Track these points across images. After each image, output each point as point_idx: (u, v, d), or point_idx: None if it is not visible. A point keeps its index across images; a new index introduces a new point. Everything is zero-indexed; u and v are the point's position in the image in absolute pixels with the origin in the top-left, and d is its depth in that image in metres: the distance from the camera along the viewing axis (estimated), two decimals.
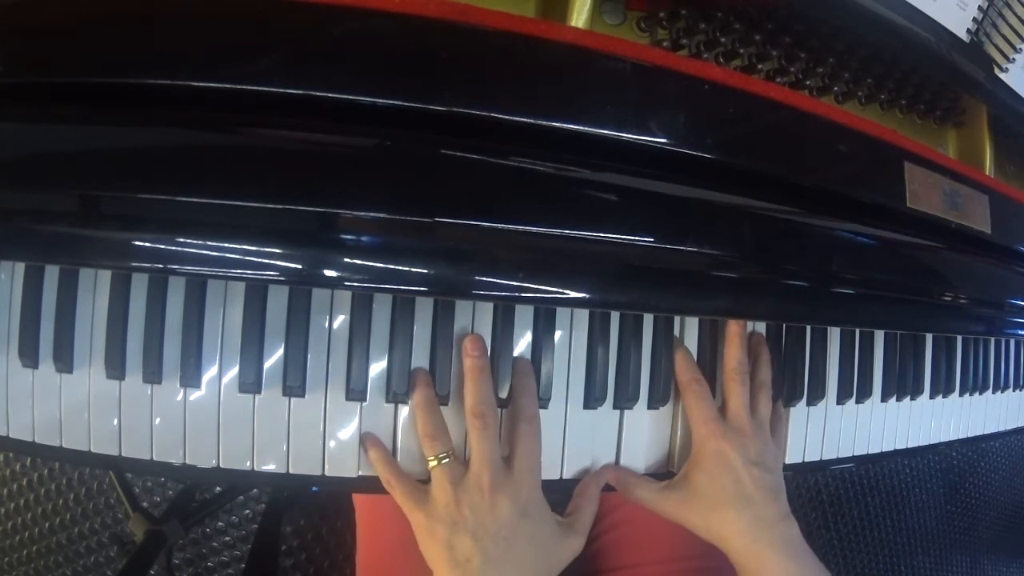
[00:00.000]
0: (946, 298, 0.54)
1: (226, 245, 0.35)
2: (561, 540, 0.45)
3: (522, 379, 0.45)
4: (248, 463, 0.43)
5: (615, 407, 0.49)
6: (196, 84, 0.34)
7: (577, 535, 0.46)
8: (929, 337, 0.65)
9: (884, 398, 0.61)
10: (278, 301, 0.42)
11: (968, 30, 0.52)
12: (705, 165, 0.42)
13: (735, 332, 0.49)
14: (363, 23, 0.36)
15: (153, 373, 0.41)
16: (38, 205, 0.35)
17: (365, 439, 0.44)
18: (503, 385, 0.46)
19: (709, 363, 0.52)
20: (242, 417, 0.42)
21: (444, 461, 0.43)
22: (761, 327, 0.54)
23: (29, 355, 0.41)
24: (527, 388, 0.45)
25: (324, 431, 0.43)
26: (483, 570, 0.41)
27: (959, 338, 0.68)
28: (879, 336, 0.61)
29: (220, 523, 1.11)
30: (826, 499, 1.49)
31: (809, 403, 0.56)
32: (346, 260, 0.37)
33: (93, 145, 0.35)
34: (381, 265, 0.37)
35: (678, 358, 0.49)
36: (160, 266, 0.35)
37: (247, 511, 1.12)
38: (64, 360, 0.41)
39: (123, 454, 0.42)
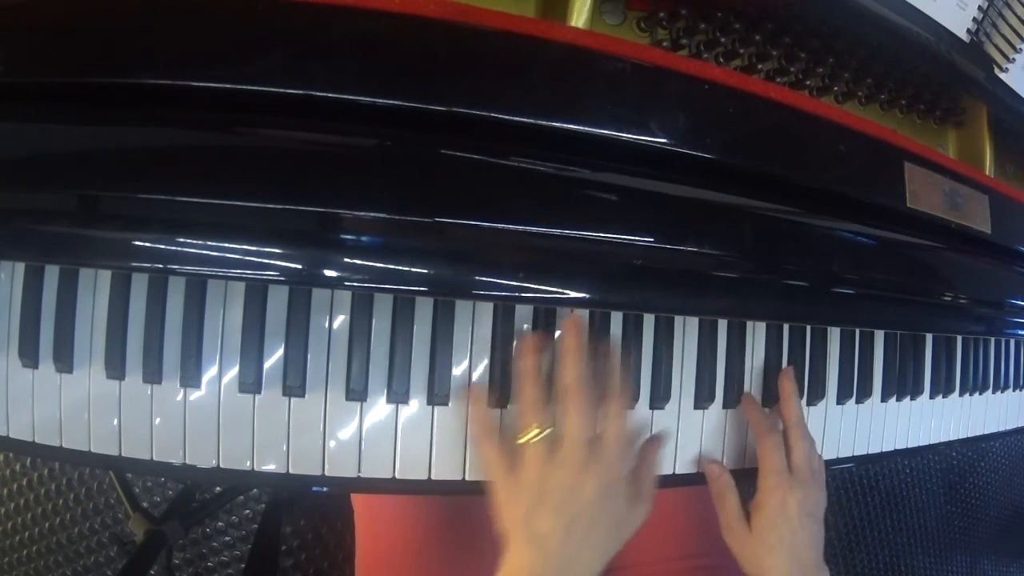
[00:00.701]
0: (946, 298, 0.54)
1: (226, 245, 0.35)
2: (633, 515, 0.45)
3: (607, 361, 0.45)
4: (248, 463, 0.43)
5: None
6: (196, 84, 0.34)
7: (645, 502, 0.46)
8: (929, 337, 0.65)
9: (884, 398, 0.61)
10: (278, 301, 0.42)
11: (968, 30, 0.52)
12: (705, 165, 0.42)
13: (791, 391, 0.53)
14: (363, 23, 0.36)
15: (153, 373, 0.41)
16: (38, 205, 0.35)
17: (472, 389, 0.44)
18: (504, 386, 0.46)
19: (709, 363, 0.52)
20: (242, 417, 0.42)
21: (543, 433, 0.42)
22: (761, 327, 0.54)
23: (29, 355, 0.41)
24: (613, 369, 0.45)
25: (324, 431, 0.43)
26: (560, 549, 0.41)
27: (959, 338, 0.68)
28: (879, 336, 0.61)
29: (220, 523, 1.11)
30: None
31: (809, 403, 0.56)
32: (346, 260, 0.37)
33: (93, 145, 0.35)
34: (381, 265, 0.37)
35: (754, 412, 0.52)
36: (160, 266, 0.35)
37: (247, 511, 1.12)
38: (64, 360, 0.41)
39: (123, 454, 0.42)
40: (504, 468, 0.43)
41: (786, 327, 0.56)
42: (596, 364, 0.45)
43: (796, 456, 0.51)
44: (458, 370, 0.45)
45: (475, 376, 0.46)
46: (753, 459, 0.54)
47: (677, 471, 0.52)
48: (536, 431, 0.42)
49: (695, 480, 0.53)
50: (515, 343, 0.45)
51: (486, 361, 0.46)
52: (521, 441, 0.42)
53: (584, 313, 0.46)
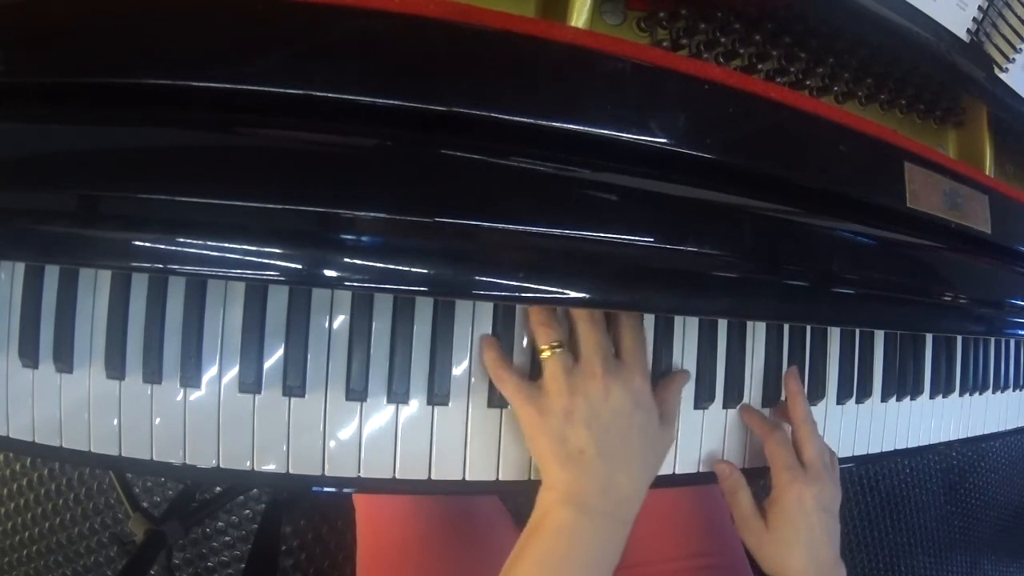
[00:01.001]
0: (946, 298, 0.54)
1: (226, 245, 0.35)
2: (663, 432, 0.45)
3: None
4: (248, 463, 0.43)
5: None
6: (196, 84, 0.34)
7: (670, 425, 0.46)
8: (929, 337, 0.65)
9: (884, 398, 0.61)
10: (278, 301, 0.42)
11: (968, 30, 0.52)
12: (705, 165, 0.42)
13: (796, 390, 0.53)
14: (363, 23, 0.36)
15: (153, 373, 0.41)
16: (38, 205, 0.35)
17: (482, 340, 0.44)
18: None
19: (709, 363, 0.52)
20: (242, 417, 0.42)
21: (557, 350, 0.42)
22: (761, 327, 0.54)
23: (29, 355, 0.41)
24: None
25: (324, 431, 0.43)
26: (596, 462, 0.40)
27: (959, 338, 0.68)
28: (879, 336, 0.61)
29: (220, 523, 1.11)
30: None
31: (809, 403, 0.56)
32: (346, 260, 0.37)
33: (93, 145, 0.35)
34: (381, 265, 0.37)
35: (754, 417, 0.53)
36: (160, 266, 0.35)
37: (247, 511, 1.12)
38: (64, 360, 0.41)
39: (123, 454, 0.42)
40: (526, 392, 0.42)
41: (786, 327, 0.56)
42: None
43: (808, 452, 0.51)
44: (458, 370, 0.45)
45: (475, 378, 0.46)
46: (754, 459, 0.54)
47: (677, 471, 0.52)
48: (553, 346, 0.42)
49: (696, 480, 0.53)
50: None
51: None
52: (543, 356, 0.42)
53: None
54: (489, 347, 0.44)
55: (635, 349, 0.44)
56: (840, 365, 0.58)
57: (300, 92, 0.35)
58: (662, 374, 0.50)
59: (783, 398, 0.54)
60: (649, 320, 0.49)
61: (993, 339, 0.73)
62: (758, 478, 0.53)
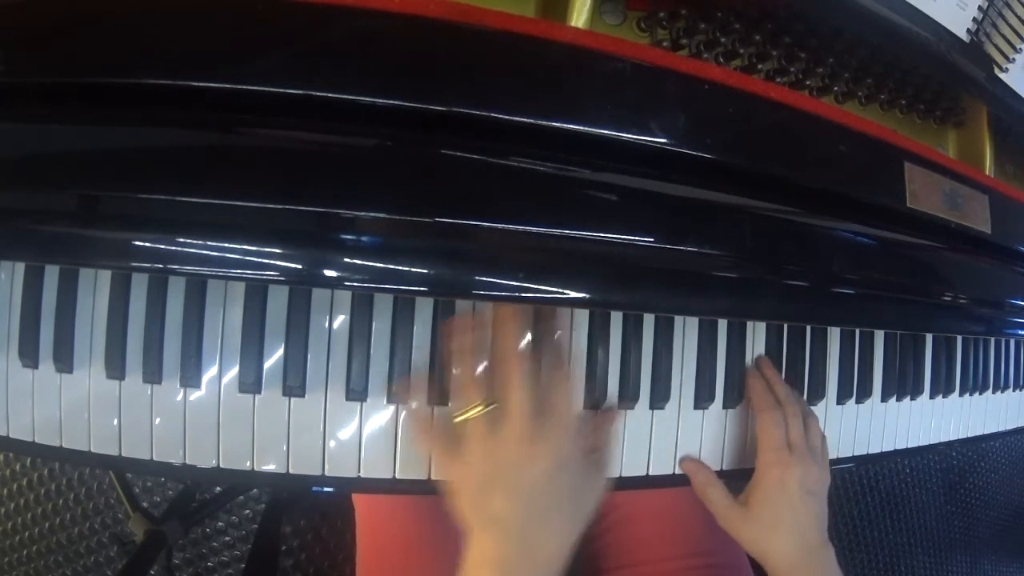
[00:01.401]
0: (946, 298, 0.54)
1: (226, 245, 0.35)
2: (593, 486, 0.43)
3: (548, 323, 0.43)
4: (248, 463, 0.43)
5: (618, 407, 0.49)
6: (196, 84, 0.34)
7: (603, 472, 0.45)
8: (929, 337, 0.65)
9: (884, 398, 0.61)
10: (278, 301, 0.42)
11: (968, 30, 0.52)
12: (705, 165, 0.42)
13: (772, 373, 0.53)
14: (363, 23, 0.36)
15: (153, 373, 0.41)
16: (38, 205, 0.35)
17: (398, 386, 0.42)
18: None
19: (709, 363, 0.52)
20: (242, 417, 0.42)
21: (482, 411, 0.40)
22: (761, 327, 0.54)
23: (29, 355, 0.41)
24: (553, 330, 0.43)
25: (324, 431, 0.43)
26: (518, 528, 0.39)
27: (959, 338, 0.68)
28: (879, 336, 0.61)
29: (220, 523, 1.11)
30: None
31: (809, 403, 0.56)
32: (346, 260, 0.37)
33: (93, 145, 0.35)
34: (381, 265, 0.37)
35: (757, 387, 0.52)
36: (160, 266, 0.35)
37: (247, 511, 1.12)
38: (64, 360, 0.41)
39: (123, 454, 0.42)
40: (449, 456, 0.41)
41: (786, 327, 0.56)
42: (537, 332, 0.43)
43: (792, 433, 0.50)
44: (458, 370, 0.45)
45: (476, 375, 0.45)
46: (753, 458, 0.54)
47: (677, 471, 0.52)
48: (476, 408, 0.40)
49: None
50: (442, 324, 0.43)
51: (486, 361, 0.46)
52: (460, 419, 0.40)
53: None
54: (403, 391, 0.43)
55: (563, 409, 0.41)
56: (840, 365, 0.58)
57: (300, 92, 0.35)
58: (662, 374, 0.50)
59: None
60: (649, 320, 0.49)
61: (993, 339, 0.73)
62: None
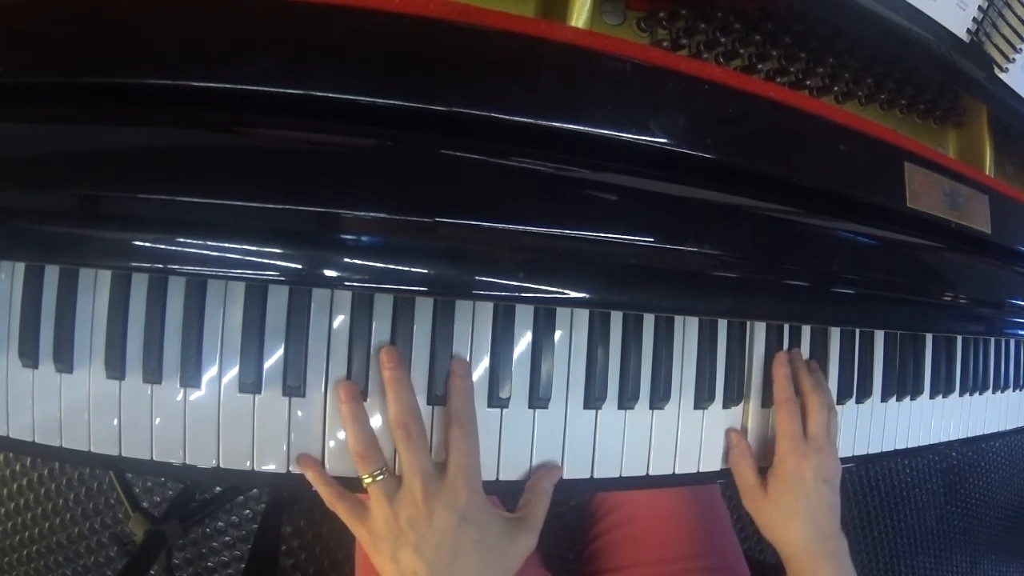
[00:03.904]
0: (946, 298, 0.54)
1: (226, 245, 0.35)
2: (512, 539, 0.44)
3: (455, 380, 0.44)
4: (248, 463, 0.43)
5: (618, 407, 0.49)
6: (196, 84, 0.34)
7: (529, 532, 0.44)
8: (929, 337, 0.65)
9: (884, 398, 0.61)
10: (278, 301, 0.42)
11: (968, 30, 0.52)
12: (705, 165, 0.42)
13: (800, 363, 0.54)
14: (363, 23, 0.36)
15: (153, 373, 0.41)
16: (38, 205, 0.35)
17: (300, 460, 0.43)
18: (503, 386, 0.46)
19: (709, 363, 0.52)
20: (242, 417, 0.42)
21: (379, 478, 0.42)
22: (761, 327, 0.54)
23: (29, 355, 0.41)
24: (460, 388, 0.44)
25: (324, 431, 0.43)
26: None
27: (959, 338, 0.68)
28: (879, 336, 0.61)
29: (220, 523, 1.11)
30: None
31: None
32: (346, 260, 0.37)
33: (93, 145, 0.35)
34: (381, 265, 0.37)
35: (780, 376, 0.53)
36: (160, 266, 0.35)
37: (247, 511, 1.12)
38: (64, 360, 0.41)
39: (123, 454, 0.42)
40: (358, 516, 0.43)
41: (786, 327, 0.56)
42: (448, 381, 0.44)
43: (811, 423, 0.52)
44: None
45: (475, 376, 0.45)
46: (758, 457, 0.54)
47: (677, 471, 0.52)
48: (374, 475, 0.42)
49: (695, 480, 0.53)
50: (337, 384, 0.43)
51: (486, 361, 0.46)
52: (365, 483, 0.42)
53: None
54: (308, 467, 0.43)
55: (462, 464, 0.42)
56: (840, 365, 0.58)
57: (300, 92, 0.35)
58: (662, 374, 0.50)
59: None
60: (649, 320, 0.49)
61: (993, 339, 0.73)
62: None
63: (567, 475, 0.48)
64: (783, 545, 0.51)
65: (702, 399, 0.52)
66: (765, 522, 0.52)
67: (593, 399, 0.48)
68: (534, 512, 0.45)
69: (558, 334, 0.47)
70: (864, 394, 0.60)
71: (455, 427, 0.43)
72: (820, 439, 0.51)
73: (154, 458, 0.42)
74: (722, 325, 0.53)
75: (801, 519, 0.50)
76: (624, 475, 0.50)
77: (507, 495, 0.47)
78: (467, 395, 0.44)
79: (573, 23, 0.43)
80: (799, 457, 0.50)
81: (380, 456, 0.43)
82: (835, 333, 0.58)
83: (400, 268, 0.37)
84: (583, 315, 0.48)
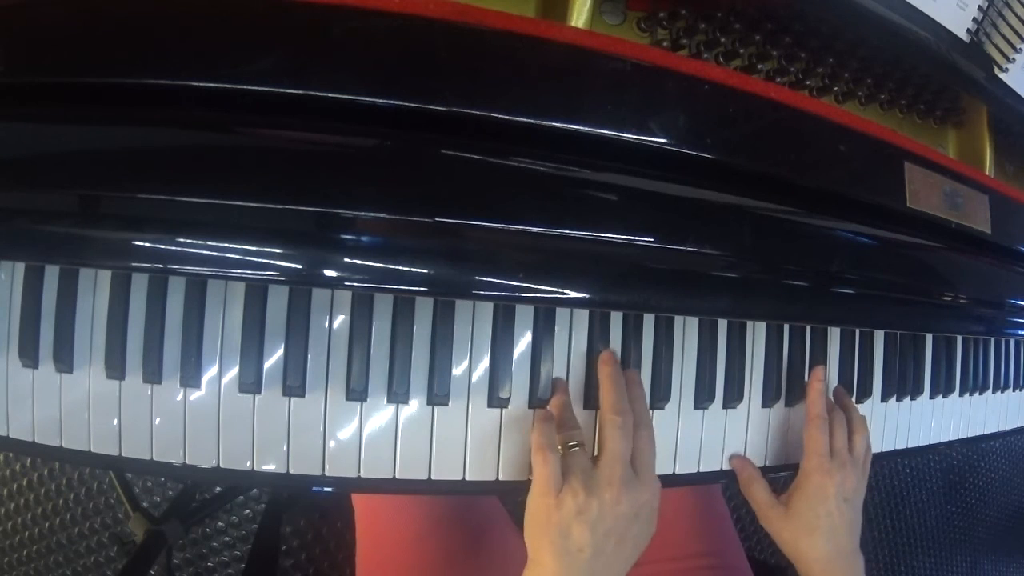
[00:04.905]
0: (946, 298, 0.54)
1: (226, 245, 0.35)
2: (647, 533, 0.46)
3: (635, 388, 0.47)
4: (248, 463, 0.43)
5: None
6: (196, 84, 0.34)
7: (653, 525, 0.47)
8: (929, 337, 0.65)
9: (884, 398, 0.61)
10: (278, 301, 0.42)
11: (968, 30, 0.52)
12: (705, 165, 0.42)
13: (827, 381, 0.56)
14: (363, 23, 0.36)
15: (153, 373, 0.41)
16: (38, 205, 0.35)
17: (557, 385, 0.46)
18: (503, 386, 0.46)
19: (709, 363, 0.52)
20: (242, 417, 0.42)
21: (574, 450, 0.43)
22: (761, 327, 0.54)
23: (29, 355, 0.41)
24: (640, 396, 0.47)
25: (324, 431, 0.43)
26: (591, 562, 0.42)
27: (959, 338, 0.68)
28: (879, 336, 0.61)
29: (220, 523, 1.11)
30: None
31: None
32: (346, 260, 0.37)
33: (93, 145, 0.35)
34: (381, 265, 0.37)
35: (815, 392, 0.54)
36: (160, 266, 0.35)
37: (247, 511, 1.12)
38: (64, 360, 0.41)
39: (123, 454, 0.42)
40: (554, 481, 0.43)
41: (786, 327, 0.56)
42: (629, 391, 0.47)
43: (836, 440, 0.52)
44: (458, 370, 0.45)
45: (475, 376, 0.46)
46: (754, 458, 0.54)
47: (677, 471, 0.52)
48: (570, 445, 0.43)
49: (695, 480, 0.53)
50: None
51: (486, 361, 0.46)
52: (567, 451, 0.44)
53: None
54: (544, 420, 0.45)
55: (650, 464, 0.46)
56: (840, 365, 0.58)
57: (300, 92, 0.35)
58: (662, 374, 0.50)
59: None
60: (649, 320, 0.49)
61: (993, 339, 0.73)
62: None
63: None
64: (801, 560, 0.52)
65: (702, 399, 0.52)
66: (786, 538, 0.52)
67: (593, 399, 0.48)
68: (656, 507, 0.48)
69: (558, 334, 0.47)
70: (864, 394, 0.60)
71: (643, 429, 0.46)
72: (843, 456, 0.51)
73: (154, 458, 0.42)
74: (722, 325, 0.53)
75: (822, 535, 0.50)
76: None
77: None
78: (646, 401, 0.48)
79: (573, 23, 0.43)
80: (824, 475, 0.51)
81: (579, 429, 0.45)
82: (835, 333, 0.58)
83: (400, 268, 0.37)
84: (583, 315, 0.48)
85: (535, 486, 0.43)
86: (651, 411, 0.50)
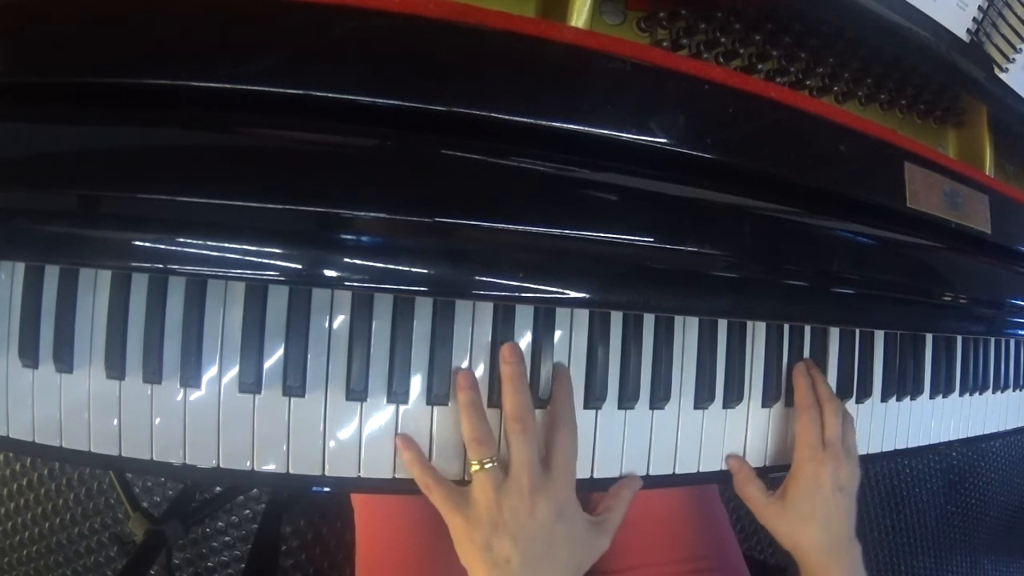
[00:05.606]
0: (946, 298, 0.54)
1: (226, 245, 0.35)
2: (592, 539, 0.46)
3: (557, 387, 0.47)
4: (248, 463, 0.43)
5: (618, 407, 0.49)
6: (196, 84, 0.34)
7: (605, 535, 0.47)
8: (929, 337, 0.65)
9: (884, 398, 0.61)
10: (278, 301, 0.42)
11: (968, 30, 0.52)
12: (705, 165, 0.42)
13: (817, 372, 0.56)
14: (363, 23, 0.36)
15: (153, 373, 0.41)
16: (38, 205, 0.35)
17: (400, 441, 0.44)
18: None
19: (709, 363, 0.52)
20: (242, 417, 0.42)
21: (488, 466, 0.43)
22: (761, 327, 0.54)
23: (29, 355, 0.41)
24: (562, 394, 0.46)
25: (324, 431, 0.43)
26: (522, 571, 0.42)
27: (959, 338, 0.68)
28: (879, 336, 0.61)
29: (220, 523, 1.11)
30: None
31: None
32: (346, 260, 0.37)
33: (93, 145, 0.35)
34: (381, 265, 0.37)
35: (802, 385, 0.54)
36: (160, 266, 0.35)
37: (247, 511, 1.12)
38: (64, 360, 0.41)
39: (123, 454, 0.42)
40: (455, 501, 0.43)
41: (786, 327, 0.56)
42: (553, 386, 0.47)
43: (828, 431, 0.52)
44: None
45: (476, 376, 0.45)
46: (754, 459, 0.54)
47: (677, 471, 0.52)
48: (484, 463, 0.43)
49: (695, 480, 0.53)
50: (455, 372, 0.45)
51: (486, 361, 0.46)
52: (472, 470, 0.43)
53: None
54: (408, 448, 0.44)
55: (565, 463, 0.45)
56: (840, 365, 0.58)
57: (300, 92, 0.35)
58: (662, 374, 0.50)
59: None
60: (649, 320, 0.49)
61: (993, 339, 0.73)
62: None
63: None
64: (798, 551, 0.52)
65: (702, 399, 0.52)
66: (783, 530, 0.52)
67: (593, 399, 0.48)
68: (613, 517, 0.48)
69: (558, 334, 0.47)
70: (864, 394, 0.60)
71: (562, 427, 0.45)
72: (836, 446, 0.52)
73: (154, 458, 0.42)
74: (722, 325, 0.53)
75: (818, 524, 0.51)
76: (624, 475, 0.50)
77: None
78: (571, 399, 0.47)
79: (573, 23, 0.43)
80: (817, 464, 0.51)
81: (494, 445, 0.44)
82: (835, 333, 0.58)
83: (400, 268, 0.37)
84: (583, 315, 0.48)
85: (440, 510, 0.44)
86: (651, 411, 0.50)
